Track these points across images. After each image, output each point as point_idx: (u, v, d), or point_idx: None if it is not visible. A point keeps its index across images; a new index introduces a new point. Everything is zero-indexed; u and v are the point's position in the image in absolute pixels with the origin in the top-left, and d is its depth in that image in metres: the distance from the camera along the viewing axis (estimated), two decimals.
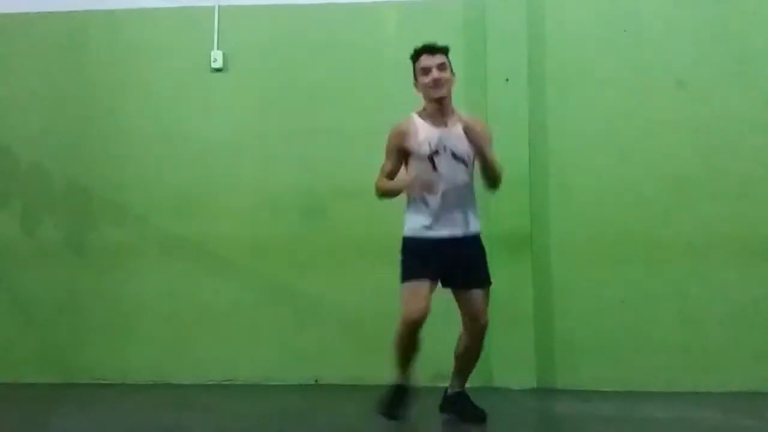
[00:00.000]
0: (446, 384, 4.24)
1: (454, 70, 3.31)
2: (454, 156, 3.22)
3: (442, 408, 3.48)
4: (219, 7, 4.78)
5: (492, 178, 3.26)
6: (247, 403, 3.97)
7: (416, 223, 3.26)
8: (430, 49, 3.26)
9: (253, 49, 4.78)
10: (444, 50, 3.29)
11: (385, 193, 3.31)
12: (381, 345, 4.44)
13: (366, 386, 4.33)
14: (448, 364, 4.28)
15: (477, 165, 3.31)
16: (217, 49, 4.75)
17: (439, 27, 4.62)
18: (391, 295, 4.44)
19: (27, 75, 4.85)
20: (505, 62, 4.50)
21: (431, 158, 3.22)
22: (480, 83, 4.51)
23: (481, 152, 3.17)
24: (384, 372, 4.40)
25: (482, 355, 3.44)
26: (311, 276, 4.56)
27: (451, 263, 3.23)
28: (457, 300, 3.31)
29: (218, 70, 4.75)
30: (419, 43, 3.32)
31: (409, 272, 3.22)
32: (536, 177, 4.46)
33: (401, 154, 3.31)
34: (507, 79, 4.47)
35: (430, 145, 3.21)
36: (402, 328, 3.20)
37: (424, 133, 3.25)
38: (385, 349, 4.48)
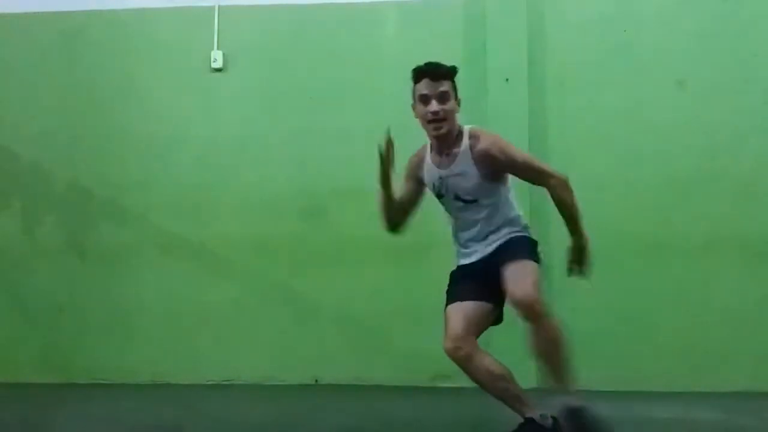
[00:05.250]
0: (446, 384, 4.24)
1: (459, 94, 2.83)
2: (458, 198, 2.82)
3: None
4: (219, 7, 4.78)
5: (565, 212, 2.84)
6: (247, 403, 3.97)
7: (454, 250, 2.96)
8: (434, 74, 2.77)
9: (253, 49, 4.78)
10: (450, 74, 2.81)
11: (383, 210, 2.94)
12: (381, 345, 4.48)
13: (366, 386, 4.34)
14: (448, 364, 4.31)
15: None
16: (217, 49, 4.75)
17: (439, 27, 4.63)
18: (390, 295, 4.47)
19: (27, 75, 4.85)
20: (505, 62, 4.50)
21: (439, 200, 2.91)
22: (480, 83, 4.51)
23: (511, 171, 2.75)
24: (384, 372, 4.42)
25: (561, 343, 2.60)
26: (311, 276, 4.55)
27: (484, 274, 2.77)
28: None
29: (218, 70, 4.75)
30: (422, 63, 2.84)
31: (446, 301, 2.86)
32: None
33: (416, 182, 2.95)
34: (507, 79, 4.47)
35: (434, 186, 2.88)
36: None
37: (428, 172, 2.90)
38: (385, 349, 4.51)
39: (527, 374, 4.28)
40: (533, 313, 2.55)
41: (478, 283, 2.78)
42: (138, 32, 4.84)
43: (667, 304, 4.35)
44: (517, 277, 2.61)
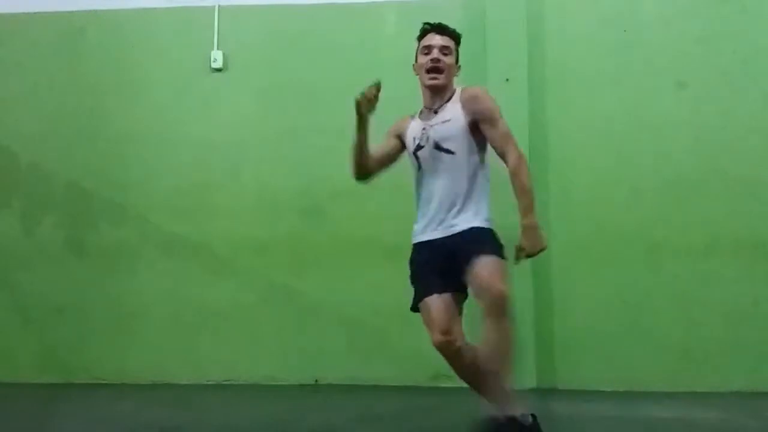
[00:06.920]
0: (446, 384, 4.24)
1: (460, 63, 2.90)
2: (438, 147, 2.76)
3: None
4: (219, 7, 4.79)
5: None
6: (247, 403, 3.97)
7: (415, 227, 2.89)
8: (440, 29, 2.87)
9: (253, 49, 4.78)
10: (455, 35, 2.88)
11: (353, 154, 2.86)
12: (381, 345, 4.48)
13: (366, 386, 4.34)
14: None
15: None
16: (217, 49, 4.75)
17: None
18: (391, 295, 4.45)
19: (27, 75, 4.85)
20: (505, 62, 4.50)
21: (416, 154, 2.83)
22: (480, 83, 4.49)
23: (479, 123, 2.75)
24: (384, 372, 4.42)
25: (512, 346, 2.61)
26: (311, 276, 4.55)
27: (447, 261, 2.71)
28: (470, 290, 2.67)
29: (218, 70, 4.75)
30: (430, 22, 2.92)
31: (416, 293, 2.83)
32: (536, 177, 4.43)
33: (396, 141, 2.94)
34: (507, 79, 4.47)
35: (414, 139, 2.84)
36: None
37: (412, 129, 2.89)
38: (385, 349, 4.50)
39: (527, 374, 4.30)
40: (501, 309, 2.48)
41: (444, 270, 2.71)
42: (138, 32, 4.84)
43: (667, 304, 4.34)
44: (489, 271, 2.53)
